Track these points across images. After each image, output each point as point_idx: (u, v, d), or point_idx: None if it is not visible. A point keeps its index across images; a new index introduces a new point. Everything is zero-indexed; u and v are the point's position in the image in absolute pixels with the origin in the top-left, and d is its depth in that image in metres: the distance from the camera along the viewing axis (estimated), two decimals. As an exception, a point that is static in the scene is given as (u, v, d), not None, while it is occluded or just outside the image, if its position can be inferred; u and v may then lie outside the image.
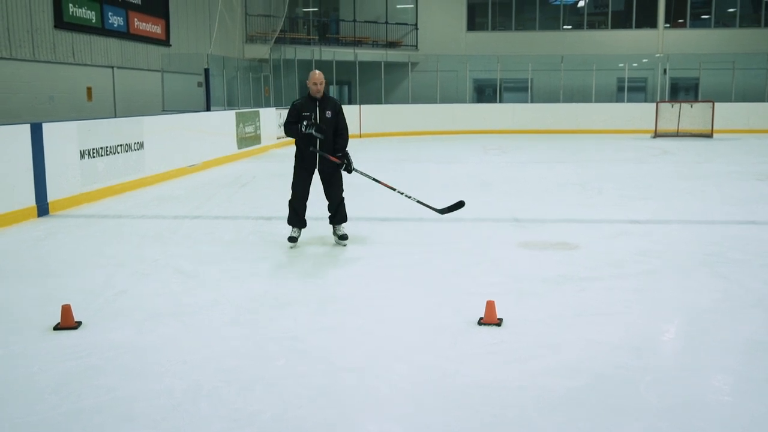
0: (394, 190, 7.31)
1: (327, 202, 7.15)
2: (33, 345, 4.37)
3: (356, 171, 7.09)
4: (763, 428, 3.29)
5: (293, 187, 7.07)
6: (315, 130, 6.73)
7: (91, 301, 5.25)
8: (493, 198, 10.45)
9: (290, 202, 7.09)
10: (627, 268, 6.15)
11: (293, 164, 7.05)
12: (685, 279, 5.87)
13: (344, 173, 7.05)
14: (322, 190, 7.12)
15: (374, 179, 7.34)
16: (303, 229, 7.18)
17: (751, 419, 3.37)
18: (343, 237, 7.15)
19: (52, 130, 9.17)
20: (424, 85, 27.48)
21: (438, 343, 4.37)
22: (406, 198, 7.32)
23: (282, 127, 6.94)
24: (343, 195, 7.17)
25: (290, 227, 7.14)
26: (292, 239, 7.04)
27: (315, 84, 6.79)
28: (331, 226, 7.25)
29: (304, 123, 6.72)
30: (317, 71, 6.86)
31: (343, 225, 7.23)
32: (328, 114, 6.89)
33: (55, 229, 8.11)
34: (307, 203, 7.13)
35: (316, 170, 7.01)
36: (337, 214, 7.13)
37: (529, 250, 6.91)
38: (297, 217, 7.04)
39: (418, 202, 7.31)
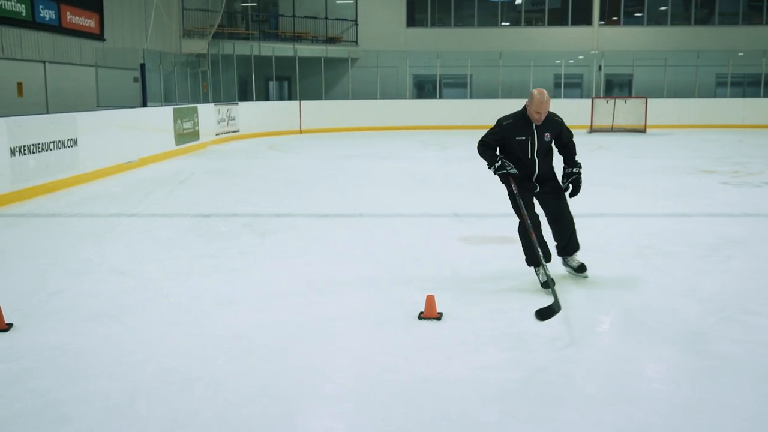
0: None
1: (550, 231, 5.67)
2: (-38, 349, 4.23)
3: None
4: (697, 415, 3.39)
5: (522, 215, 5.41)
6: (507, 170, 5.37)
7: (23, 302, 5.10)
8: (433, 194, 10.51)
9: (523, 235, 5.46)
10: (564, 262, 6.26)
11: (508, 190, 5.53)
12: (621, 271, 5.99)
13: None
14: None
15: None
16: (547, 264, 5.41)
17: (686, 407, 3.47)
18: (582, 268, 5.66)
19: (-19, 127, 8.88)
20: (364, 80, 27.46)
21: (379, 339, 4.38)
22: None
23: (477, 145, 5.54)
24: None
25: (533, 268, 5.50)
26: (546, 284, 5.17)
27: (538, 113, 5.29)
28: (559, 258, 5.76)
29: (498, 163, 5.36)
30: (542, 94, 5.26)
31: (577, 253, 5.71)
32: (547, 137, 5.41)
33: (-16, 229, 7.86)
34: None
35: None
36: (570, 242, 5.62)
37: (469, 244, 6.98)
38: (537, 252, 5.35)
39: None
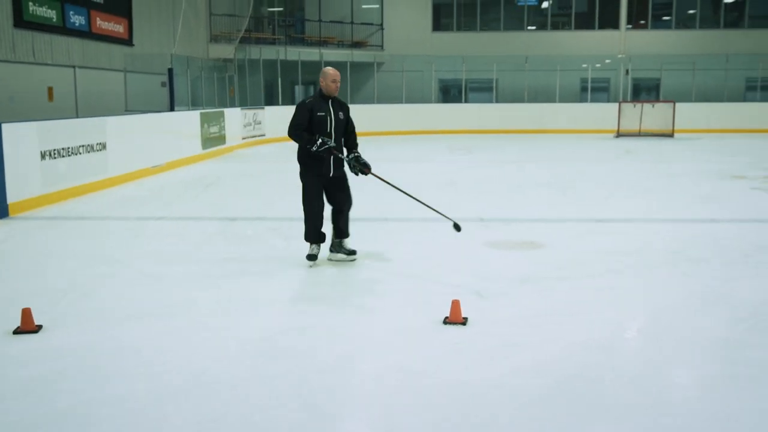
0: (410, 196, 6.54)
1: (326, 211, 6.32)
2: (-7, 350, 4.29)
3: (372, 174, 6.30)
4: (726, 422, 3.34)
5: (308, 202, 6.24)
6: (328, 145, 5.98)
7: (53, 304, 5.16)
8: (458, 198, 10.48)
9: (308, 217, 6.25)
10: (592, 267, 6.22)
11: (301, 173, 6.25)
12: (649, 277, 5.94)
13: (353, 175, 6.32)
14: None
15: (391, 184, 6.54)
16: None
17: (715, 414, 3.42)
18: (352, 252, 6.47)
19: (12, 131, 8.99)
20: (390, 85, 27.50)
21: (404, 344, 4.37)
22: (423, 206, 6.51)
23: (288, 130, 6.15)
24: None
25: (309, 244, 6.32)
26: (312, 257, 6.24)
27: (334, 81, 6.08)
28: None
29: (319, 140, 5.94)
30: (331, 68, 6.11)
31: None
32: (341, 115, 6.17)
33: (14, 232, 7.97)
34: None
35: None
36: (347, 225, 6.44)
37: (494, 249, 6.95)
38: (317, 232, 6.28)
39: (435, 210, 6.46)
